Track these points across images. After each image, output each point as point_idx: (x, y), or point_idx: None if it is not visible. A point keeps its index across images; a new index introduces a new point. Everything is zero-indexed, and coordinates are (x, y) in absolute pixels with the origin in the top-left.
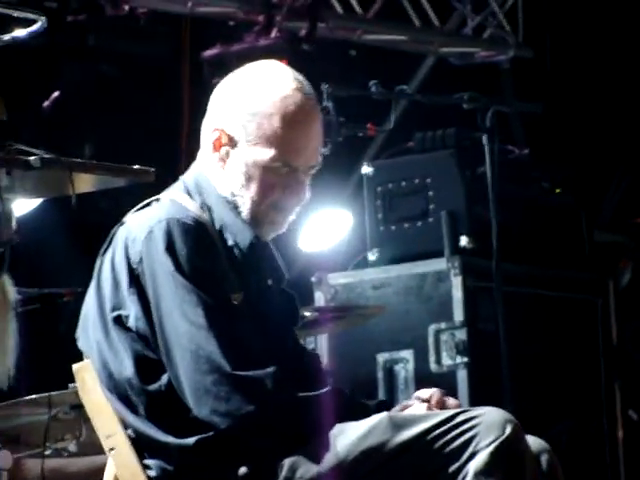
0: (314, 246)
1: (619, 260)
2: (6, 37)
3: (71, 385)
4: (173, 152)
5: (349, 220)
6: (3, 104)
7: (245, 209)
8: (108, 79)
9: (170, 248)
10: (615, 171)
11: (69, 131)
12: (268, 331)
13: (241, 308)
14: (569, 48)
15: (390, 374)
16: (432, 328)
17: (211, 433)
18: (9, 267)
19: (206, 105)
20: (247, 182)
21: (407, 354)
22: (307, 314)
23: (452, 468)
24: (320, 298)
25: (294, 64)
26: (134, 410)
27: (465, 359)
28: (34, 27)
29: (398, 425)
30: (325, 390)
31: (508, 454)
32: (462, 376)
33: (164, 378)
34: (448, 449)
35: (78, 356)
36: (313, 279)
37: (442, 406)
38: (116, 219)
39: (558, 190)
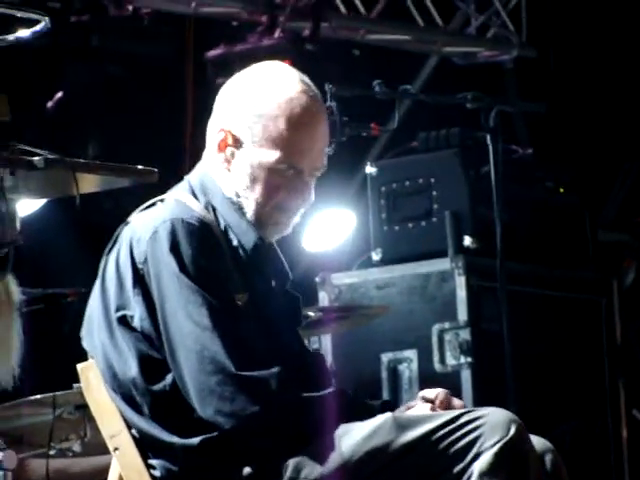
0: (318, 246)
1: (623, 260)
2: (10, 37)
3: (75, 385)
4: (176, 152)
5: (353, 220)
6: (7, 104)
7: (250, 210)
8: (111, 79)
9: (175, 248)
10: (619, 170)
11: (73, 131)
12: (272, 332)
13: (245, 309)
14: (573, 48)
15: (394, 374)
16: (436, 328)
17: (215, 433)
18: (13, 267)
19: (210, 105)
20: (252, 183)
21: (411, 354)
22: (311, 314)
23: (457, 469)
24: (324, 298)
25: (297, 64)
26: (138, 410)
27: (469, 359)
28: (37, 27)
29: (403, 426)
30: (329, 391)
31: (512, 454)
32: (466, 376)
33: (168, 378)
34: (452, 450)
35: (82, 356)
36: (317, 279)
37: (446, 406)
38: (120, 219)
39: (562, 190)
